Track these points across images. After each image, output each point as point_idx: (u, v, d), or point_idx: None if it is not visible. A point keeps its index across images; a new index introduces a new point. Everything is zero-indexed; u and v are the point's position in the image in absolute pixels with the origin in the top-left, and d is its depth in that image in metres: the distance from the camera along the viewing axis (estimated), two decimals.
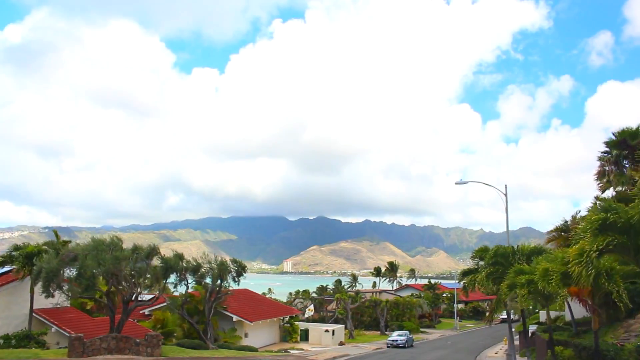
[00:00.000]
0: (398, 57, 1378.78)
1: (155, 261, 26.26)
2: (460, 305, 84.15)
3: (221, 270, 28.43)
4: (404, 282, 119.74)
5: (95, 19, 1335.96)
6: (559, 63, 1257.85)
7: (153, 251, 25.08)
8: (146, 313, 41.27)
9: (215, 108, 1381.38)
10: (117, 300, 26.59)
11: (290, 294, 76.44)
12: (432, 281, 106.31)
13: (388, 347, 45.46)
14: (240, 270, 30.01)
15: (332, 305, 67.61)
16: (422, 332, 64.76)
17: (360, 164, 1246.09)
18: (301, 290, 76.66)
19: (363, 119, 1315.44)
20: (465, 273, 25.29)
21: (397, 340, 45.45)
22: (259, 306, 43.64)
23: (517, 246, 22.77)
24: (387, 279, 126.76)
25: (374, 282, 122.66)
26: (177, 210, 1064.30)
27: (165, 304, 38.55)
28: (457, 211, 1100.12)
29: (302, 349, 37.43)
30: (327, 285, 79.58)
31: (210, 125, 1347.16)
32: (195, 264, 28.33)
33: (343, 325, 49.17)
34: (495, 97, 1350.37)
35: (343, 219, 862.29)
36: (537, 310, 45.49)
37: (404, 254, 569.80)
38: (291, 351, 34.79)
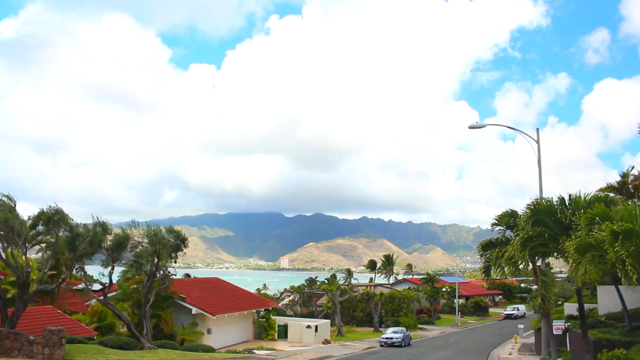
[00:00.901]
0: (395, 53, 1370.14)
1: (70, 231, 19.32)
2: (461, 301, 77.62)
3: (154, 244, 21.42)
4: (401, 278, 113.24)
5: (89, 13, 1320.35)
6: (557, 61, 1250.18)
7: (55, 215, 18.17)
8: (92, 304, 34.42)
9: (211, 104, 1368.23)
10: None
11: (286, 289, 69.50)
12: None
13: (382, 345, 38.75)
14: (180, 243, 22.84)
15: (323, 300, 61.07)
16: (420, 328, 58.27)
17: (357, 160, 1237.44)
18: (296, 286, 70.01)
19: (360, 115, 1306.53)
20: (487, 246, 18.29)
21: (392, 338, 38.70)
22: (227, 297, 36.75)
23: (570, 196, 15.53)
24: (383, 274, 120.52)
25: (371, 278, 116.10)
26: (174, 207, 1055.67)
27: (115, 292, 31.85)
28: (454, 208, 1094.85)
29: (273, 349, 30.60)
30: (316, 277, 72.57)
31: (206, 121, 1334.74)
32: (122, 234, 21.32)
33: (328, 321, 42.18)
34: (492, 95, 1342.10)
35: (340, 216, 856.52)
36: (560, 302, 38.67)
37: (400, 250, 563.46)
38: (257, 352, 27.96)
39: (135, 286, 31.62)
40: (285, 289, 69.69)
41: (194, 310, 31.42)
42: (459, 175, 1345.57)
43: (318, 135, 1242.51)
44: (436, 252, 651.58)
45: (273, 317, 38.40)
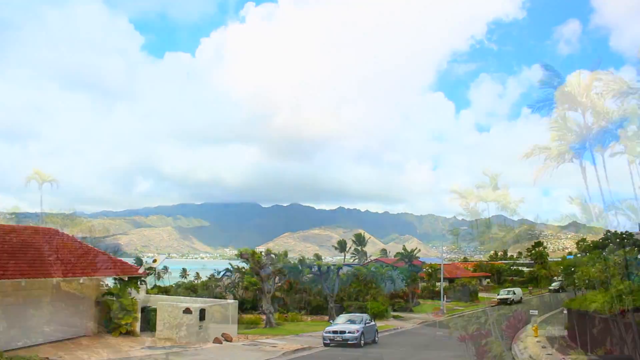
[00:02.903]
0: (372, 44, 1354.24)
1: None
2: (445, 284, 63.12)
3: None
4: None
5: None
6: (531, 53, 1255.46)
7: None
8: None
9: (185, 92, 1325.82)
10: None
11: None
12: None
13: (326, 344, 22.61)
14: None
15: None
16: (394, 317, 42.78)
17: (334, 150, 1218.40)
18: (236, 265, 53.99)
19: (335, 105, 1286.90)
20: None
21: (343, 333, 22.50)
22: (35, 255, 19.68)
23: None
24: (356, 259, 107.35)
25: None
26: (149, 197, 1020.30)
27: None
28: (430, 199, 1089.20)
29: None
30: (261, 251, 56.04)
31: (180, 110, 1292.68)
32: None
33: (235, 302, 24.70)
34: (467, 86, 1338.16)
35: (317, 206, 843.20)
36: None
37: (377, 241, 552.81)
38: None
39: None
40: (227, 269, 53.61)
41: None
42: (434, 166, 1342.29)
43: (293, 124, 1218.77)
44: (412, 243, 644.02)
45: (133, 295, 21.42)
